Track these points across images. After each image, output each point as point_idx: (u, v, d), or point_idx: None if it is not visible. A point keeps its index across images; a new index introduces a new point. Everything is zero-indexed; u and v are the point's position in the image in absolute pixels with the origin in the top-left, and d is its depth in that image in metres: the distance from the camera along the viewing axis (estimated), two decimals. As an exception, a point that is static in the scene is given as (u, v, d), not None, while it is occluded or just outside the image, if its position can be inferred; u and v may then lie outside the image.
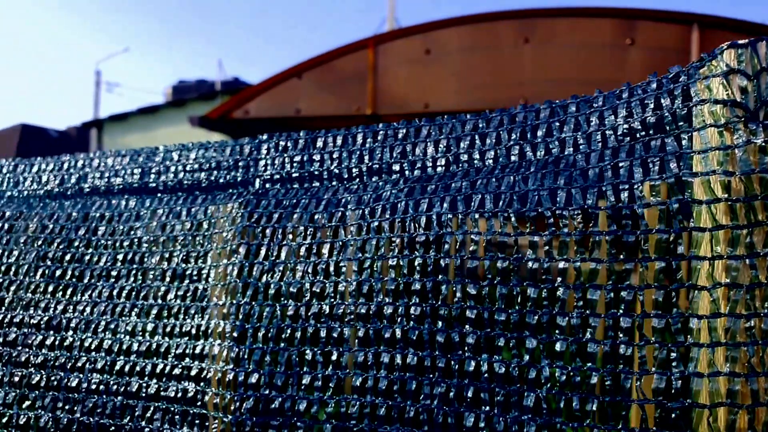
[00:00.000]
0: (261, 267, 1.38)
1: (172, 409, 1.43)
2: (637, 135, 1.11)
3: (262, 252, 1.40)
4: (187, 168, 1.65)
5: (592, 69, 8.91)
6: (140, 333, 1.49)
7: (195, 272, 1.48)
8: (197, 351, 1.40)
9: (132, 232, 1.61)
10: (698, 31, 8.51)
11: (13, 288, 1.67)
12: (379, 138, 1.45)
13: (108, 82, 20.22)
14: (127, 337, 1.50)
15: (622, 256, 1.05)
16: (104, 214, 1.67)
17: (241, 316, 1.35)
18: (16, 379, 1.57)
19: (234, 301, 1.37)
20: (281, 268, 1.37)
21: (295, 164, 1.53)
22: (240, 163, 1.59)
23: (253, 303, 1.35)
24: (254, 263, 1.39)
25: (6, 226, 1.77)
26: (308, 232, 1.38)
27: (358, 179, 1.45)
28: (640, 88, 1.15)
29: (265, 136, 1.58)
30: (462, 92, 10.30)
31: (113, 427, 1.43)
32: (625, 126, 1.14)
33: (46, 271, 1.64)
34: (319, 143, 1.52)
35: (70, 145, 15.51)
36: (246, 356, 1.31)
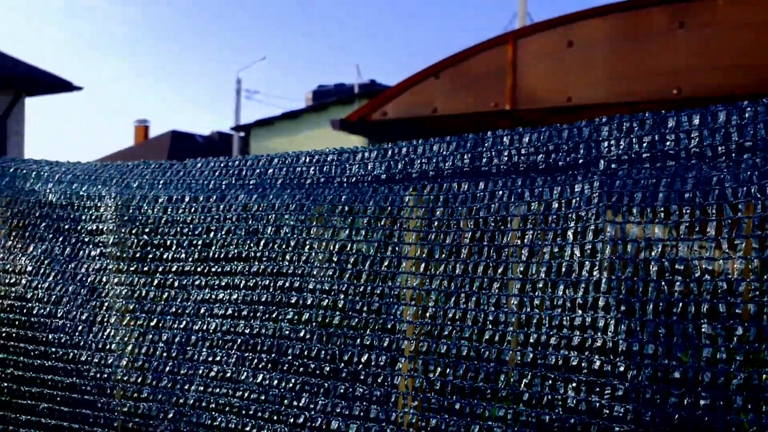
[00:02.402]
0: (637, 244, 1.42)
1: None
2: None
3: (633, 229, 1.44)
4: (522, 151, 1.72)
5: (762, 53, 8.27)
6: (519, 305, 1.57)
7: (556, 249, 1.55)
8: (577, 323, 1.46)
9: (473, 214, 1.71)
10: None
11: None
12: (746, 115, 1.44)
13: (247, 90, 21.41)
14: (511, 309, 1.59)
15: None
16: (438, 197, 1.79)
17: (623, 292, 1.40)
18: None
19: (614, 277, 1.42)
20: (657, 245, 1.40)
21: (644, 144, 1.56)
22: (581, 146, 1.64)
23: (635, 279, 1.40)
24: (628, 240, 1.43)
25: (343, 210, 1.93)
26: (684, 211, 1.40)
27: (724, 157, 1.45)
28: None
29: (604, 119, 1.63)
30: (607, 84, 9.93)
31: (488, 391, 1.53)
32: None
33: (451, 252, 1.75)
34: (670, 123, 1.54)
35: (215, 148, 16.51)
36: (639, 329, 1.36)
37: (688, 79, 8.96)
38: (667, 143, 1.54)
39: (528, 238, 1.62)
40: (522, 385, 1.50)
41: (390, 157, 1.92)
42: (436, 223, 1.76)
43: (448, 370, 1.60)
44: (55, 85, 13.68)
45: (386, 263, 1.75)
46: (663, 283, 1.37)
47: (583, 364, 1.43)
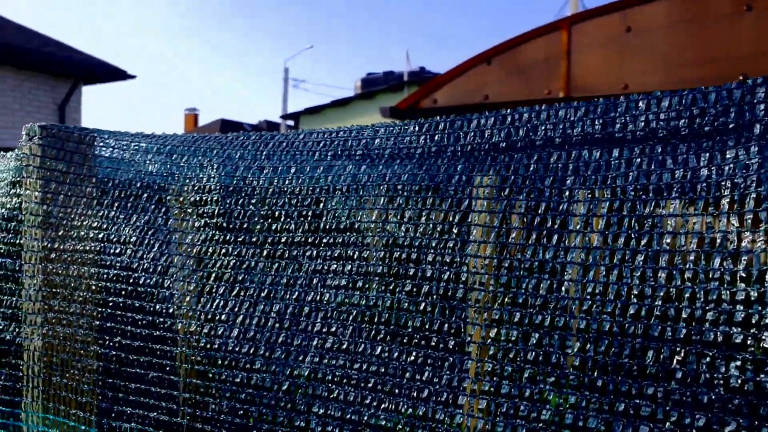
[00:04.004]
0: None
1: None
2: None
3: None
4: (661, 116, 1.61)
5: (838, 36, 7.86)
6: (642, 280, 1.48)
7: (708, 219, 1.44)
8: (739, 298, 1.35)
9: (608, 182, 1.60)
10: None
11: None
12: None
13: (295, 79, 21.51)
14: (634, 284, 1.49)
15: None
16: (567, 165, 1.69)
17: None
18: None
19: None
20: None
21: (808, 106, 1.42)
22: (731, 109, 1.51)
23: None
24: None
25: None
26: None
27: None
28: None
29: (759, 79, 1.50)
30: (666, 71, 9.61)
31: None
32: None
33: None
34: (839, 82, 1.40)
35: (262, 137, 16.56)
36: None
37: (754, 65, 8.58)
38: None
39: (674, 207, 1.51)
40: (674, 362, 1.40)
41: (509, 124, 1.82)
42: (567, 193, 1.66)
43: (588, 345, 1.50)
44: (111, 73, 13.96)
45: (513, 235, 1.66)
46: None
47: (748, 341, 1.32)
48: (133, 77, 13.70)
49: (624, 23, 10.20)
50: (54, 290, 2.25)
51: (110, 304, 2.11)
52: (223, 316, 1.85)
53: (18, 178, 2.46)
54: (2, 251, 2.40)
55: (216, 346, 1.78)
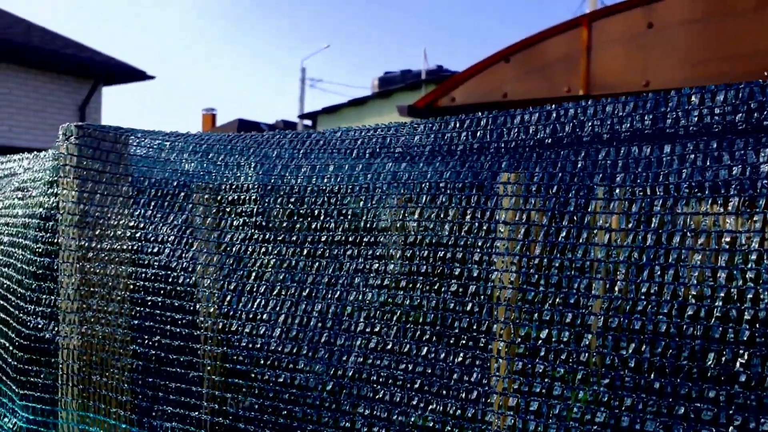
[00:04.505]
0: None
1: None
2: None
3: None
4: (716, 111, 1.56)
5: None
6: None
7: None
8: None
9: (659, 180, 1.56)
10: None
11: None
12: None
13: (311, 78, 21.53)
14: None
15: None
16: (616, 162, 1.64)
17: None
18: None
19: None
20: None
21: None
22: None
23: None
24: None
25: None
26: None
27: None
28: None
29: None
30: (688, 67, 9.47)
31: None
32: None
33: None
34: None
35: (280, 137, 16.59)
36: None
37: (779, 60, 8.43)
38: None
39: (732, 204, 1.46)
40: (738, 365, 1.35)
41: (555, 119, 1.78)
42: (617, 191, 1.61)
43: (643, 346, 1.46)
44: (130, 74, 14.05)
45: (563, 234, 1.62)
46: None
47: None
48: (152, 78, 13.78)
49: (645, 19, 10.08)
50: (92, 289, 2.25)
51: (149, 303, 2.10)
52: (264, 316, 1.83)
53: (55, 178, 2.46)
54: (41, 251, 2.40)
55: (258, 346, 1.76)
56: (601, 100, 1.72)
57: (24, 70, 12.08)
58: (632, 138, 1.65)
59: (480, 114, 1.94)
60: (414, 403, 1.60)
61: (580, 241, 1.60)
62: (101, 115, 13.55)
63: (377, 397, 1.61)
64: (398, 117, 11.95)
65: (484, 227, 1.72)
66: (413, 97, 12.11)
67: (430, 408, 1.58)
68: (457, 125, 1.96)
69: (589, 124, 1.72)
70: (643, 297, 1.47)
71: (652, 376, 1.42)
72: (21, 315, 2.27)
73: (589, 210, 1.63)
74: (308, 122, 13.32)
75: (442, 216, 1.79)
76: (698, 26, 9.59)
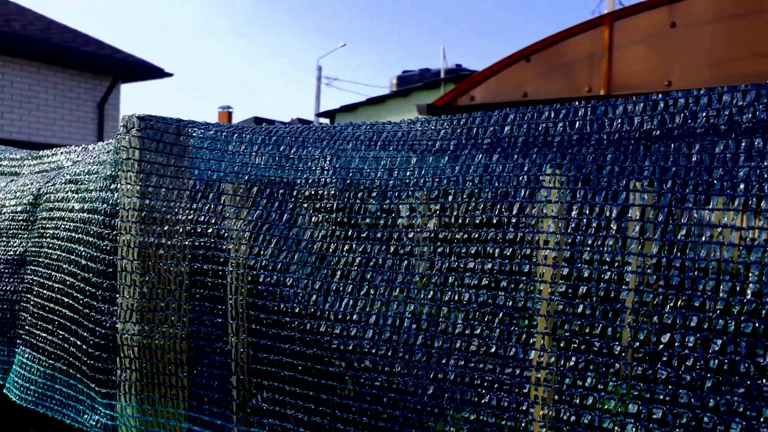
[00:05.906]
0: None
1: None
2: None
3: None
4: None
5: None
6: None
7: None
8: None
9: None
10: None
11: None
12: None
13: (327, 77, 21.36)
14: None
15: None
16: (737, 155, 1.53)
17: None
18: None
19: None
20: None
21: None
22: None
23: None
24: None
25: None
26: None
27: None
28: None
29: None
30: (713, 67, 9.33)
31: None
32: None
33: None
34: None
35: (295, 135, 16.47)
36: None
37: (806, 60, 8.30)
38: None
39: None
40: None
41: (663, 110, 1.67)
42: (742, 186, 1.50)
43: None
44: (149, 71, 13.97)
45: (683, 232, 1.51)
46: None
47: None
48: (170, 75, 13.70)
49: (669, 18, 9.95)
50: (155, 286, 2.15)
51: (249, 304, 1.99)
52: (354, 316, 1.72)
53: (114, 172, 2.36)
54: (101, 246, 2.29)
55: (350, 348, 1.66)
56: (715, 88, 1.61)
57: (45, 67, 12.02)
58: (754, 129, 1.54)
59: (575, 103, 1.82)
60: (524, 408, 1.49)
61: (704, 239, 1.49)
62: (119, 112, 13.48)
63: (482, 401, 1.50)
64: (417, 116, 11.84)
65: (595, 225, 1.61)
66: (432, 96, 11.99)
67: (541, 414, 1.47)
68: (552, 115, 1.84)
69: (702, 115, 1.61)
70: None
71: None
72: (94, 314, 2.16)
73: (709, 206, 1.52)
74: (325, 120, 13.19)
75: (544, 212, 1.68)
76: (723, 25, 9.46)
